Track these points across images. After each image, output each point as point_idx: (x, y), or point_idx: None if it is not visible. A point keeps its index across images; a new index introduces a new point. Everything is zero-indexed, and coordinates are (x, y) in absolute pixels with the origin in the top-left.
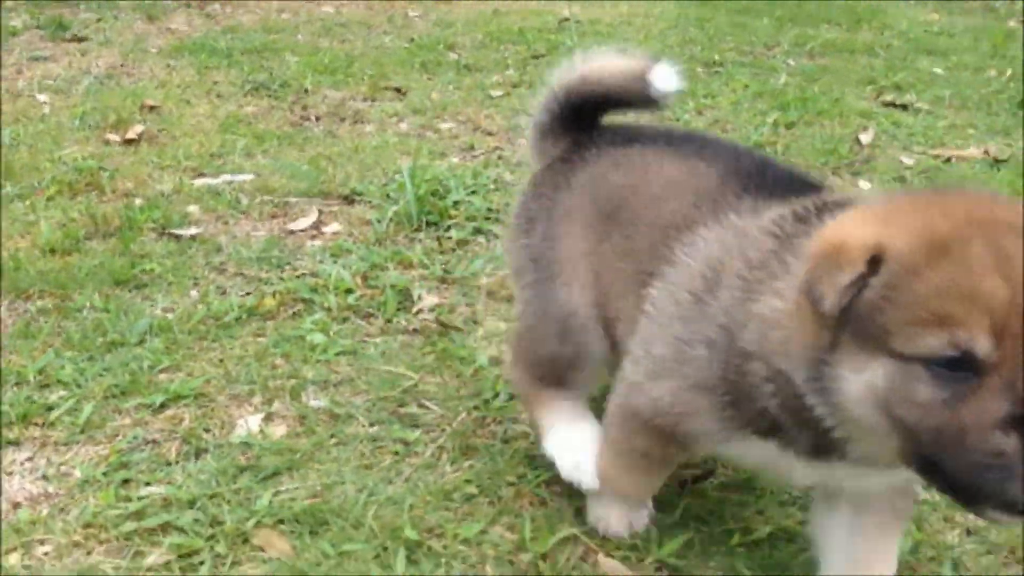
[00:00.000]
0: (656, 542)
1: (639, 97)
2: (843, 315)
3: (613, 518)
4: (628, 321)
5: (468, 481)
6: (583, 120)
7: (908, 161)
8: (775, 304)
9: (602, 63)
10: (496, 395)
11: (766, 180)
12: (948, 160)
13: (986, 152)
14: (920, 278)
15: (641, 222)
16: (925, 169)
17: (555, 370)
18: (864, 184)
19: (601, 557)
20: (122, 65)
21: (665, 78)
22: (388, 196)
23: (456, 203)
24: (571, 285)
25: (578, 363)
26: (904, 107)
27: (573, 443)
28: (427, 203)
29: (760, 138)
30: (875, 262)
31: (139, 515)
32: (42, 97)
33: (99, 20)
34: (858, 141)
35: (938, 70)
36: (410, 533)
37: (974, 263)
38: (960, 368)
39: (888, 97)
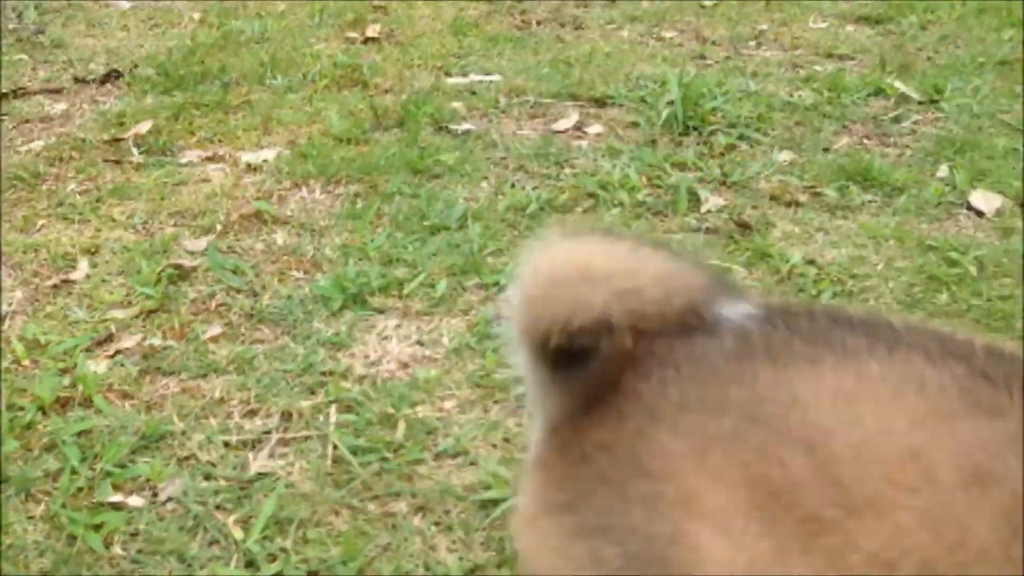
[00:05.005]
0: None
1: None
2: None
3: None
4: None
5: None
6: None
7: None
8: None
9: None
10: (819, 293)
11: None
12: None
13: None
14: None
15: None
16: None
17: None
18: None
19: None
20: None
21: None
22: (644, 100)
23: (713, 109)
24: None
25: None
26: None
27: None
28: (687, 109)
29: (1003, 55)
30: None
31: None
32: None
33: None
34: None
35: None
36: None
37: None
38: None
39: None
